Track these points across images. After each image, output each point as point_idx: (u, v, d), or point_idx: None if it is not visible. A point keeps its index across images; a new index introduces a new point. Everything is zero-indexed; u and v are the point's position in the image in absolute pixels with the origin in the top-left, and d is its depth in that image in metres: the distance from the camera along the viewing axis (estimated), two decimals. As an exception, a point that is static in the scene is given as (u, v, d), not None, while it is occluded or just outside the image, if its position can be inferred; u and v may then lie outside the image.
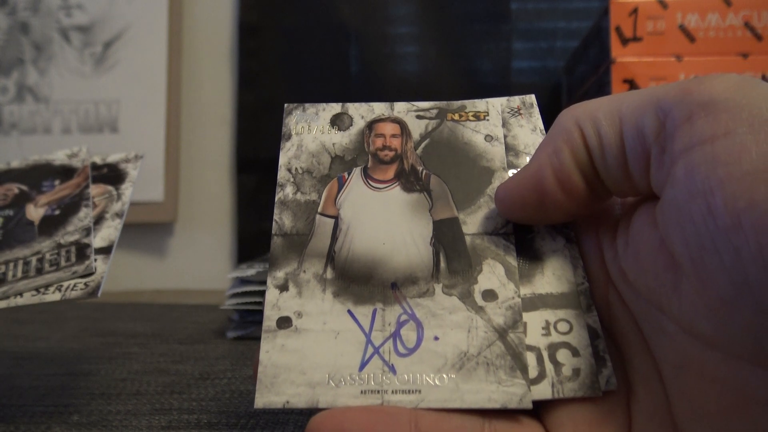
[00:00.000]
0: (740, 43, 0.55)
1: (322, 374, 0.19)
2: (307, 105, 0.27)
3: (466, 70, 0.81)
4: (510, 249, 0.22)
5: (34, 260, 0.28)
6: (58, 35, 0.87)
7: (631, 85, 0.55)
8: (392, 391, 0.19)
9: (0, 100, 0.86)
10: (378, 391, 0.19)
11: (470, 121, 0.25)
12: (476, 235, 0.22)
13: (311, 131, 0.26)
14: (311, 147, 0.25)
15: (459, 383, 0.19)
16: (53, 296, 0.26)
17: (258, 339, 0.43)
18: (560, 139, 0.20)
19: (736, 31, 0.55)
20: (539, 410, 0.19)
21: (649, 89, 0.19)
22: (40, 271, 0.28)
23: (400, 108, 0.26)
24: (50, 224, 0.30)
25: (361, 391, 0.19)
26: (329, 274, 0.22)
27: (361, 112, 0.26)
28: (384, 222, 0.23)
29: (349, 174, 0.24)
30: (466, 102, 0.26)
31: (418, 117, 0.26)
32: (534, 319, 0.20)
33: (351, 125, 0.26)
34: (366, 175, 0.24)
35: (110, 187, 0.32)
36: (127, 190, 0.31)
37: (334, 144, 0.25)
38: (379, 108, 0.26)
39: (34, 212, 0.31)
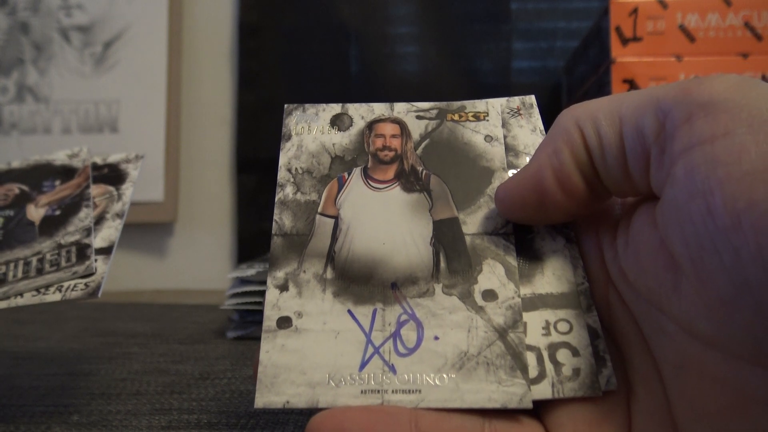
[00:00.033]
0: (740, 43, 0.55)
1: (322, 374, 0.19)
2: (307, 105, 0.27)
3: (466, 70, 0.81)
4: (510, 249, 0.22)
5: (34, 260, 0.28)
6: (58, 35, 0.87)
7: (631, 85, 0.55)
8: (392, 391, 0.19)
9: (0, 100, 0.86)
10: (378, 391, 0.19)
11: (470, 121, 0.26)
12: (476, 235, 0.22)
13: (311, 131, 0.26)
14: (311, 147, 0.25)
15: (459, 383, 0.19)
16: (53, 296, 0.26)
17: (258, 339, 0.43)
18: (560, 139, 0.20)
19: (736, 31, 0.55)
20: (539, 410, 0.19)
21: (649, 90, 0.19)
22: (40, 272, 0.28)
23: (400, 108, 0.26)
24: (51, 224, 0.30)
25: (362, 391, 0.19)
26: (329, 274, 0.22)
27: (361, 113, 0.26)
28: (384, 222, 0.23)
29: (349, 174, 0.24)
30: (466, 102, 0.26)
31: (418, 117, 0.26)
32: (534, 319, 0.20)
33: (351, 125, 0.26)
34: (366, 175, 0.24)
35: (111, 188, 0.32)
36: (128, 191, 0.31)
37: (334, 144, 0.25)
38: (379, 108, 0.26)
39: (35, 212, 0.31)
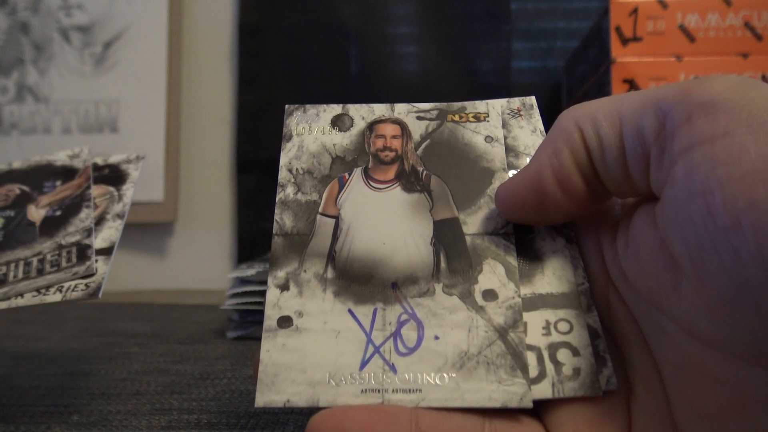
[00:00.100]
0: (740, 43, 0.55)
1: (322, 373, 0.19)
2: (307, 106, 0.27)
3: (466, 70, 0.81)
4: (510, 249, 0.22)
5: (35, 261, 0.28)
6: (58, 35, 0.87)
7: (631, 85, 0.55)
8: (393, 390, 0.19)
9: (0, 100, 0.86)
10: (378, 390, 0.19)
11: (470, 122, 0.26)
12: (476, 235, 0.22)
13: (312, 132, 0.26)
14: (312, 148, 0.25)
15: (459, 382, 0.19)
16: (54, 297, 0.26)
17: (258, 339, 0.43)
18: (560, 139, 0.20)
19: (736, 31, 0.55)
20: (539, 410, 0.19)
21: (649, 90, 0.19)
22: (41, 272, 0.28)
23: (401, 109, 0.26)
24: (51, 225, 0.30)
25: (362, 390, 0.19)
26: (330, 273, 0.22)
27: (361, 113, 0.26)
28: (384, 222, 0.23)
29: (349, 174, 0.24)
30: (466, 103, 0.26)
31: (419, 118, 0.26)
32: (534, 319, 0.20)
33: (351, 126, 0.26)
34: (367, 175, 0.24)
35: (111, 188, 0.32)
36: (128, 191, 0.31)
37: (334, 145, 0.25)
38: (380, 109, 0.26)
39: (36, 213, 0.31)
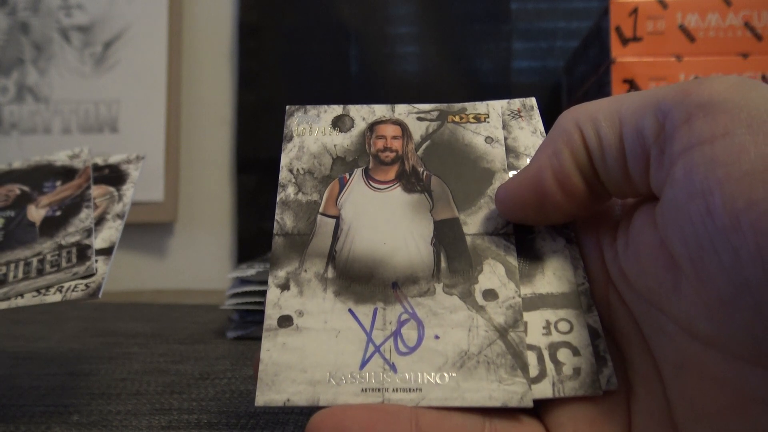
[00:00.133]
0: (740, 43, 0.55)
1: (322, 372, 0.19)
2: (308, 107, 0.27)
3: (466, 70, 0.81)
4: (510, 249, 0.22)
5: (35, 261, 0.28)
6: (58, 35, 0.87)
7: (631, 85, 0.55)
8: (393, 390, 0.19)
9: (0, 100, 0.86)
10: (379, 390, 0.19)
11: (471, 123, 0.26)
12: (477, 235, 0.22)
13: (313, 133, 0.26)
14: (313, 148, 0.25)
15: (460, 382, 0.19)
16: (54, 297, 0.26)
17: (258, 339, 0.43)
18: (560, 140, 0.20)
19: (736, 31, 0.55)
20: (539, 410, 0.19)
21: (648, 91, 0.19)
22: (41, 272, 0.28)
23: (401, 110, 0.26)
24: (51, 225, 0.30)
25: (362, 389, 0.19)
26: (330, 273, 0.22)
27: (362, 114, 0.26)
28: (385, 222, 0.23)
29: (350, 175, 0.25)
30: (467, 104, 0.26)
31: (419, 119, 0.26)
32: (534, 319, 0.20)
33: (352, 127, 0.26)
34: (367, 175, 0.24)
35: (111, 188, 0.32)
36: (129, 191, 0.31)
37: (335, 145, 0.25)
38: (380, 110, 0.27)
39: (36, 213, 0.31)
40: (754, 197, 0.15)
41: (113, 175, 0.32)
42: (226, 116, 0.87)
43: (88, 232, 0.29)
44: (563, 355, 0.19)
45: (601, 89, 0.59)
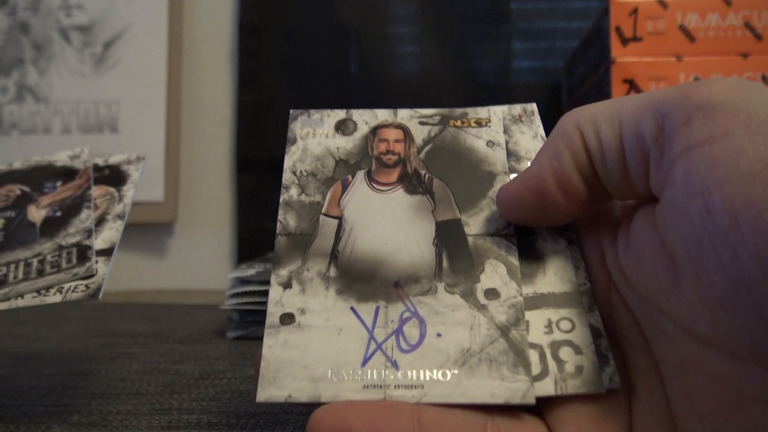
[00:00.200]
0: (740, 43, 0.55)
1: (324, 369, 0.19)
2: (312, 111, 0.27)
3: (466, 70, 0.81)
4: (512, 249, 0.22)
5: (35, 262, 0.28)
6: (58, 35, 0.87)
7: (631, 85, 0.55)
8: (395, 386, 0.19)
9: (0, 100, 0.86)
10: (380, 386, 0.19)
11: (472, 127, 0.26)
12: (478, 236, 0.23)
13: (316, 136, 0.26)
14: (316, 151, 0.26)
15: (462, 379, 0.19)
16: (54, 298, 0.26)
17: (258, 339, 0.43)
18: (561, 142, 0.20)
19: (736, 31, 0.55)
20: (541, 409, 0.19)
21: (648, 93, 0.19)
22: (41, 273, 0.28)
23: (404, 114, 0.27)
24: (52, 226, 0.30)
25: (364, 386, 0.19)
26: (332, 272, 0.22)
27: (365, 118, 0.27)
28: (387, 223, 0.23)
29: (353, 177, 0.25)
30: (468, 109, 0.27)
31: (421, 123, 0.26)
32: (536, 318, 0.20)
33: (355, 130, 0.26)
34: (369, 177, 0.25)
35: (112, 189, 0.32)
36: (129, 192, 0.31)
37: (338, 148, 0.26)
38: (383, 114, 0.27)
39: (36, 213, 0.31)
40: (752, 197, 0.15)
41: (114, 176, 0.32)
42: (226, 116, 0.87)
43: (89, 233, 0.29)
44: (565, 353, 0.19)
45: (601, 89, 0.59)
